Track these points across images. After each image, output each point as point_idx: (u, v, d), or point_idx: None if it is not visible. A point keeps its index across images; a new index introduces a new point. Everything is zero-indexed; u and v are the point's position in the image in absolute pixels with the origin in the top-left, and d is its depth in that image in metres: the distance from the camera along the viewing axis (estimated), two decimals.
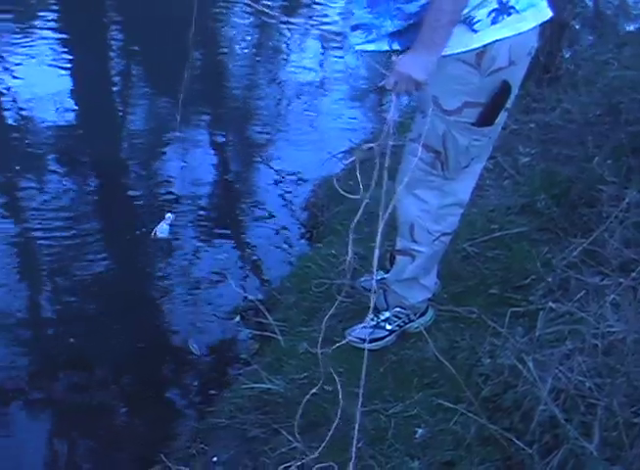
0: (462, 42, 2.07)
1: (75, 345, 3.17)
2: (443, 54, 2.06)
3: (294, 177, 4.49)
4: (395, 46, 2.15)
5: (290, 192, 4.36)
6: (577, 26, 5.85)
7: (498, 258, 3.07)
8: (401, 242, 2.52)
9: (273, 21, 7.53)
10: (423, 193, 2.38)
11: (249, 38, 7.16)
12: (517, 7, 2.07)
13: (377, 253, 2.05)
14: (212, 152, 4.95)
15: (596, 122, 3.92)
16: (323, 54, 6.57)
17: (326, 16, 7.45)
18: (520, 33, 2.08)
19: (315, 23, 7.23)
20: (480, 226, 3.24)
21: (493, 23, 2.07)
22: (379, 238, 2.02)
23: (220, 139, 5.12)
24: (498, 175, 3.64)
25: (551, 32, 4.71)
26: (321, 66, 6.30)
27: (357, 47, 2.21)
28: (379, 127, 5.10)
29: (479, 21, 2.06)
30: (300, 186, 4.38)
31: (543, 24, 2.17)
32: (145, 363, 3.13)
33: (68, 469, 2.77)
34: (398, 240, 2.53)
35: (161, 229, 3.72)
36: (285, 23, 7.43)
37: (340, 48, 6.44)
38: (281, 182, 4.47)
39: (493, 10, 2.06)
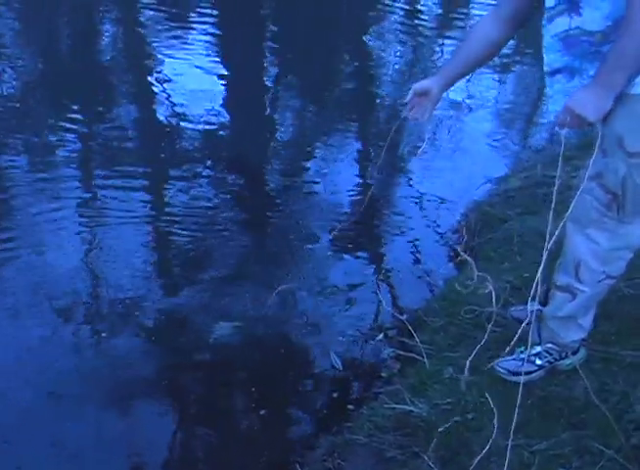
0: None
1: (217, 344, 3.29)
2: (633, 92, 2.06)
3: (442, 199, 4.52)
4: None
5: (438, 214, 4.39)
6: None
7: None
8: (564, 278, 2.50)
9: (427, 35, 7.61)
10: (595, 233, 2.36)
11: (401, 51, 7.25)
12: None
13: (536, 285, 2.04)
14: (357, 164, 5.05)
15: None
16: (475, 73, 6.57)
17: None
18: None
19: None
20: (638, 266, 3.16)
21: None
22: (540, 270, 2.03)
23: (367, 151, 5.22)
24: None
25: None
26: (471, 84, 6.30)
27: None
28: (531, 155, 5.07)
29: None
30: (449, 210, 4.40)
31: None
32: (286, 371, 3.23)
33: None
34: (561, 275, 2.51)
35: None
36: (441, 37, 7.49)
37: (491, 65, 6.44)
38: (428, 203, 4.51)
39: None
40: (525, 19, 2.43)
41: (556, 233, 2.08)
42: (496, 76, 6.63)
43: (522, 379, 2.25)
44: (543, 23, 2.23)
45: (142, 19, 7.47)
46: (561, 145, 2.18)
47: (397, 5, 8.61)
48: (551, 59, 2.22)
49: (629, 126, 2.14)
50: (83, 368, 3.06)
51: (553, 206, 2.06)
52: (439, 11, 8.99)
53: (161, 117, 5.36)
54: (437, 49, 7.35)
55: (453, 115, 5.74)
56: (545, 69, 2.27)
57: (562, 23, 2.16)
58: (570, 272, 2.46)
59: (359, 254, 3.98)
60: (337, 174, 4.80)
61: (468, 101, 5.99)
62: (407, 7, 8.66)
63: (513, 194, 4.14)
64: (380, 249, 4.12)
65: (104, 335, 3.24)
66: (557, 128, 2.17)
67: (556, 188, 2.12)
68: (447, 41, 7.50)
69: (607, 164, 2.20)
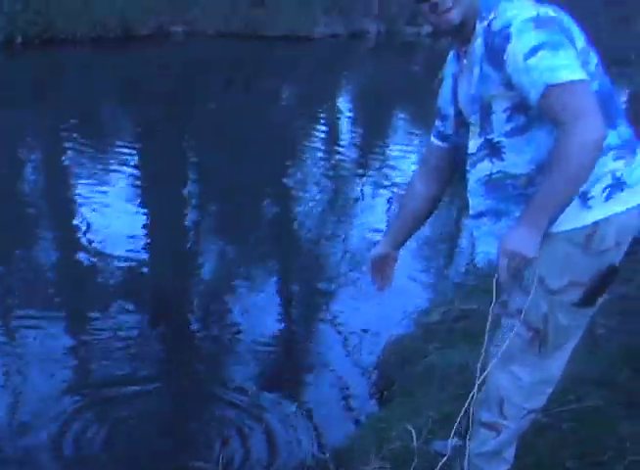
0: (574, 219, 2.15)
1: None
2: (555, 231, 2.15)
3: (365, 332, 4.57)
4: None
5: (361, 348, 4.42)
6: None
7: (574, 430, 3.07)
8: (488, 415, 2.51)
9: (346, 173, 7.93)
10: (518, 369, 2.39)
11: (321, 188, 7.51)
12: (628, 181, 2.17)
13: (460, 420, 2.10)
14: (278, 301, 5.14)
15: None
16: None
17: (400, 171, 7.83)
18: (628, 209, 2.16)
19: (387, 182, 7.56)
20: (555, 396, 3.27)
21: (607, 199, 2.16)
22: (466, 405, 2.08)
23: (287, 287, 5.34)
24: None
25: None
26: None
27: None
28: (449, 288, 5.24)
29: (592, 197, 2.15)
30: (372, 343, 4.44)
31: None
32: None
33: None
34: (484, 412, 2.52)
35: None
36: (360, 176, 7.81)
37: None
38: (351, 337, 4.55)
39: (608, 186, 2.16)
40: (449, 173, 2.58)
41: (478, 367, 2.16)
42: None
43: None
44: (467, 168, 2.35)
45: (63, 157, 7.62)
46: (493, 288, 2.21)
47: (317, 144, 9.03)
48: (475, 202, 2.32)
49: (550, 265, 2.22)
50: None
51: (486, 341, 2.16)
52: (359, 151, 9.41)
53: (80, 256, 5.40)
54: (357, 187, 7.64)
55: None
56: (470, 212, 2.37)
57: (484, 168, 2.28)
58: (493, 409, 2.48)
59: (281, 389, 3.98)
60: (257, 314, 4.85)
61: None
62: (326, 147, 9.06)
63: (433, 327, 4.24)
64: (301, 385, 4.13)
65: None
66: (498, 275, 2.14)
67: (488, 325, 2.21)
68: (365, 179, 7.82)
69: (530, 301, 2.25)
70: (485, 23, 2.20)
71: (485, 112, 2.25)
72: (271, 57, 15.53)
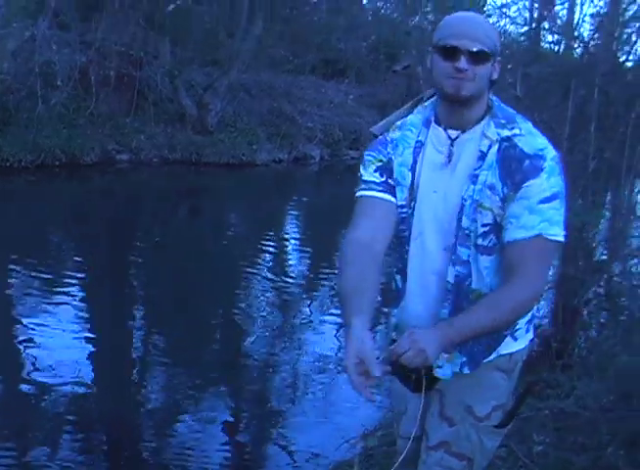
0: (504, 348, 2.35)
1: None
2: (484, 361, 2.31)
3: (307, 457, 4.69)
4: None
5: None
6: (590, 311, 6.32)
7: None
8: None
9: (293, 298, 8.13)
10: None
11: (268, 314, 7.68)
12: (537, 314, 2.47)
13: None
14: (227, 427, 5.20)
15: (610, 409, 4.20)
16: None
17: None
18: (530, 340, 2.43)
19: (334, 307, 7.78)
20: None
21: (527, 331, 2.41)
22: None
23: (235, 413, 5.44)
24: (512, 464, 3.85)
25: (563, 319, 5.15)
26: (339, 343, 6.70)
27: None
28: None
29: (519, 329, 2.36)
30: (317, 466, 4.56)
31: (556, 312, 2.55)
32: None
33: None
34: None
35: None
36: (307, 300, 8.01)
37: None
38: (294, 461, 4.67)
39: (528, 320, 2.40)
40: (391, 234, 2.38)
41: None
42: None
43: None
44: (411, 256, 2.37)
45: (6, 286, 7.69)
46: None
47: (264, 270, 9.25)
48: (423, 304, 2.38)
49: (478, 393, 2.36)
50: None
51: None
52: (307, 271, 9.65)
53: (26, 383, 5.45)
54: (304, 308, 7.83)
55: (323, 369, 6.07)
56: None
57: (444, 271, 2.32)
58: None
59: None
60: (206, 439, 4.92)
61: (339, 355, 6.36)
62: (272, 273, 9.28)
63: (372, 452, 4.39)
64: None
65: None
66: (394, 357, 2.02)
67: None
68: (312, 304, 8.02)
69: (457, 431, 2.35)
70: (506, 133, 2.22)
71: (467, 217, 2.25)
72: (215, 184, 15.94)
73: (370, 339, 2.02)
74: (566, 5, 11.79)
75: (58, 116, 15.26)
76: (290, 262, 10.13)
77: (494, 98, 2.33)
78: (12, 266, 8.25)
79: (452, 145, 2.29)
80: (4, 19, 15.05)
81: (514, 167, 2.17)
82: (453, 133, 2.30)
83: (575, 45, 8.17)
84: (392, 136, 2.41)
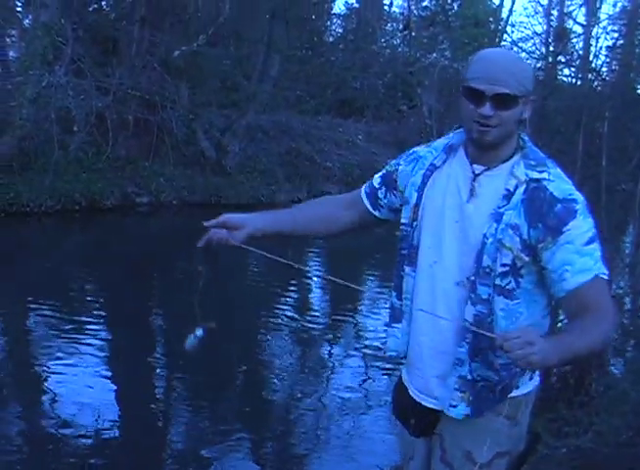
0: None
1: None
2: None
3: None
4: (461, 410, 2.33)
5: None
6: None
7: None
8: None
9: (316, 333, 8.15)
10: None
11: (290, 353, 7.71)
12: None
13: None
14: (253, 461, 5.24)
15: (630, 444, 4.17)
16: (365, 370, 7.04)
17: (368, 329, 8.08)
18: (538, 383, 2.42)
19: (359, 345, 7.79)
20: None
21: (530, 379, 2.39)
22: None
23: (260, 450, 5.50)
24: None
25: None
26: (360, 383, 6.71)
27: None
28: None
29: (521, 376, 2.35)
30: None
31: None
32: None
33: None
34: None
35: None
36: (328, 339, 8.03)
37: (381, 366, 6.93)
38: None
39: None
40: (352, 229, 2.66)
41: None
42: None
43: None
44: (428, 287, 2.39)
45: (30, 323, 7.79)
46: None
47: (287, 309, 9.29)
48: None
49: (476, 438, 2.34)
50: None
51: None
52: (329, 310, 9.68)
53: (48, 428, 5.48)
54: (326, 352, 7.85)
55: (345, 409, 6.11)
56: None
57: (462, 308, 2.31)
58: None
59: None
60: None
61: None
62: (296, 312, 9.31)
63: None
64: None
65: None
66: (499, 342, 1.99)
67: None
68: (334, 344, 8.04)
69: None
70: (537, 176, 2.21)
71: (488, 256, 2.23)
72: None
73: (241, 221, 2.58)
74: (581, 38, 11.92)
75: (77, 160, 15.49)
76: (312, 302, 10.15)
77: (526, 138, 2.33)
78: (34, 308, 8.35)
79: (474, 180, 2.30)
80: (23, 66, 15.36)
81: (545, 211, 2.17)
82: (478, 168, 2.31)
83: (592, 77, 8.25)
84: (419, 151, 2.50)
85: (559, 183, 2.20)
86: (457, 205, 2.31)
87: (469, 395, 2.30)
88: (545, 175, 2.21)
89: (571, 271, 2.14)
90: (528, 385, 2.38)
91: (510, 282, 2.23)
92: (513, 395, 2.33)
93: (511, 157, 2.28)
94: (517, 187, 2.21)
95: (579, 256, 2.14)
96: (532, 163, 2.24)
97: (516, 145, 2.30)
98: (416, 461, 2.53)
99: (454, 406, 2.32)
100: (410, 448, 2.56)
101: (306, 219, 2.68)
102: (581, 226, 2.15)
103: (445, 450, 2.38)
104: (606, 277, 2.17)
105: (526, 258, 2.20)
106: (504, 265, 2.21)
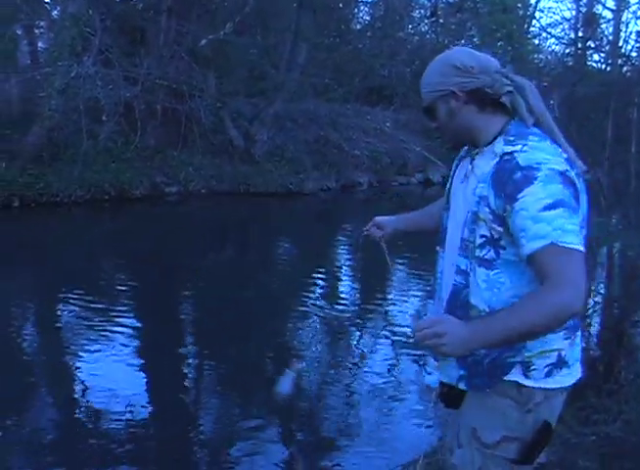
0: (510, 376, 2.29)
1: None
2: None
3: None
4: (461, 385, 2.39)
5: None
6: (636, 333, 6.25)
7: None
8: None
9: (345, 320, 8.19)
10: None
11: (319, 338, 7.76)
12: (569, 362, 2.32)
13: None
14: (280, 456, 5.25)
15: None
16: (395, 358, 7.09)
17: (398, 317, 8.12)
18: (561, 388, 2.33)
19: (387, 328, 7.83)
20: None
21: (547, 375, 2.29)
22: None
23: (290, 438, 5.53)
24: None
25: (610, 342, 5.11)
26: (390, 370, 6.75)
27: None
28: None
29: (535, 369, 2.28)
30: None
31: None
32: None
33: None
34: None
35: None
36: (358, 327, 8.07)
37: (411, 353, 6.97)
38: None
39: (552, 364, 2.29)
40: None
41: None
42: None
43: None
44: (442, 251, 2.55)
45: (61, 312, 7.91)
46: None
47: (317, 298, 9.33)
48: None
49: (482, 417, 2.34)
50: None
51: None
52: (359, 300, 9.73)
53: (79, 416, 5.58)
54: (355, 343, 7.88)
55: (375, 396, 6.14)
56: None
57: (452, 277, 2.42)
58: None
59: None
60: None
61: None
62: (325, 300, 9.36)
63: None
64: None
65: None
66: (412, 332, 2.16)
67: None
68: (365, 335, 8.08)
69: (463, 454, 2.35)
70: (510, 149, 2.24)
71: (467, 228, 2.34)
72: (263, 214, 16.11)
73: (385, 222, 3.07)
74: (611, 23, 11.80)
75: (105, 150, 15.64)
76: (341, 290, 10.19)
77: (514, 120, 2.35)
78: (65, 297, 8.47)
79: (471, 164, 2.42)
80: (51, 57, 15.51)
81: (505, 179, 2.19)
82: (474, 153, 2.44)
83: (621, 63, 8.16)
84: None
85: (531, 153, 2.20)
86: (459, 188, 2.47)
87: (461, 368, 2.37)
88: (519, 147, 2.23)
89: (525, 237, 2.13)
90: (540, 382, 2.30)
91: (489, 251, 2.27)
92: (518, 380, 2.29)
93: (495, 138, 2.35)
94: (492, 163, 2.27)
95: (533, 222, 2.11)
96: (511, 138, 2.27)
97: (500, 127, 2.35)
98: (449, 436, 2.56)
99: (458, 381, 2.40)
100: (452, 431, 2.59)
101: (425, 217, 3.02)
102: (537, 192, 2.12)
103: (460, 427, 2.42)
104: (570, 247, 2.09)
105: (499, 228, 2.22)
106: (482, 237, 2.28)
